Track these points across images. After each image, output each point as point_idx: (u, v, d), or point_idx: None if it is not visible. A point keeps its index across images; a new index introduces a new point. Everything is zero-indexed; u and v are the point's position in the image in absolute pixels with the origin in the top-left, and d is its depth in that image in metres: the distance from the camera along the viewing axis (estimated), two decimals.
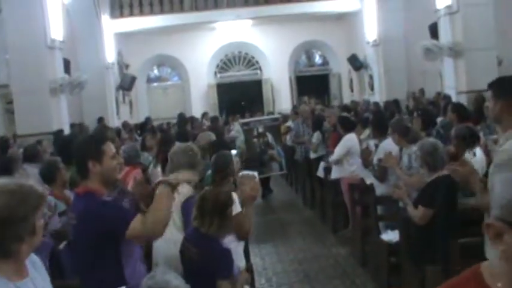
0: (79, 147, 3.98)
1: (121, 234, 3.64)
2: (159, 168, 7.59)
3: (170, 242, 4.58)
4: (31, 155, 7.64)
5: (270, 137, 12.70)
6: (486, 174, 3.96)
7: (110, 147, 3.92)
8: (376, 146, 8.94)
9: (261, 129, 12.79)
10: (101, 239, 3.68)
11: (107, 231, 3.66)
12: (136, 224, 3.59)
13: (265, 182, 13.13)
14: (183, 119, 13.62)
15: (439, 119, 10.42)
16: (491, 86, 3.92)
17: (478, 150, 6.09)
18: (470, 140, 6.09)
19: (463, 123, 6.72)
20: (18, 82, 12.96)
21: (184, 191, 4.95)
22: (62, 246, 5.16)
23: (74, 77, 13.86)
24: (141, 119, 21.17)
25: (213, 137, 7.92)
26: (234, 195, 5.19)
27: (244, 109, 22.15)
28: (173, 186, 3.70)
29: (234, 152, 8.13)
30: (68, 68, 14.61)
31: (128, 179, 6.34)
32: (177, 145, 5.59)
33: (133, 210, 5.47)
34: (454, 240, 4.67)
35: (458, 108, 8.09)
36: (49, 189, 6.31)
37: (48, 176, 6.34)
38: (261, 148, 12.63)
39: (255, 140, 12.79)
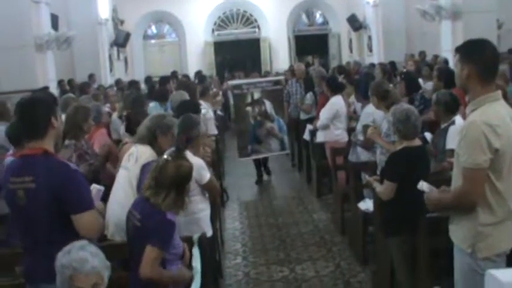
0: (42, 104, 3.69)
1: (71, 213, 3.53)
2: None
3: (123, 205, 4.39)
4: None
5: (268, 106, 10.44)
6: None
7: None
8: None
9: (257, 95, 10.47)
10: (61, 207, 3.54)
11: (63, 201, 3.52)
12: (91, 217, 3.60)
13: (262, 162, 11.10)
14: (165, 78, 12.88)
15: (430, 83, 10.13)
16: (459, 49, 3.58)
17: (458, 118, 5.80)
18: (450, 107, 5.80)
19: (447, 90, 6.41)
20: (2, 38, 12.57)
21: (147, 154, 4.81)
22: None
23: (60, 32, 13.49)
24: (136, 76, 20.79)
25: (185, 96, 7.61)
26: (200, 161, 5.00)
27: (244, 69, 21.61)
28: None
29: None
30: (55, 23, 14.25)
31: (92, 139, 6.13)
32: (153, 114, 5.41)
33: (91, 174, 5.34)
34: (421, 215, 4.43)
35: (443, 74, 7.75)
36: (14, 150, 6.12)
37: (15, 137, 6.12)
38: (256, 120, 10.40)
39: (249, 108, 10.45)
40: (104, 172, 5.80)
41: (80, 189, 3.58)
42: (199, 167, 4.88)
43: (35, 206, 3.53)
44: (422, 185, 3.84)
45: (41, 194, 3.51)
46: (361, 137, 7.24)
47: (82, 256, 2.83)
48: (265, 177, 11.05)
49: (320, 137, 9.09)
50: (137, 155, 4.88)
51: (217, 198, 5.27)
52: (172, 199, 3.81)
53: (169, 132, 5.01)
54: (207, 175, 4.94)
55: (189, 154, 4.91)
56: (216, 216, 5.88)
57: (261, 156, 10.69)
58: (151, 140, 4.98)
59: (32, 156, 3.60)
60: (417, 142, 4.96)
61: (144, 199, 3.90)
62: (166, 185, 3.81)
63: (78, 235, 3.45)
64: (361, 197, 6.88)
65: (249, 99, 10.47)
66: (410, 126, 4.85)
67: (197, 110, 6.26)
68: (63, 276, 2.83)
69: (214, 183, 5.13)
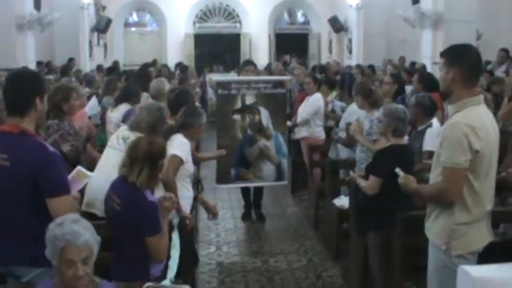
0: (29, 80, 3.56)
1: (46, 196, 3.42)
2: (115, 113, 7.33)
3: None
4: None
5: (265, 116, 7.62)
6: None
7: None
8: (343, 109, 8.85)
9: (250, 99, 7.59)
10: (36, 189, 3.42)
11: (38, 183, 3.40)
12: (66, 202, 3.46)
13: (254, 198, 8.40)
14: (144, 66, 12.73)
15: (410, 87, 10.30)
16: (445, 53, 3.70)
17: (435, 121, 5.96)
18: (429, 110, 5.95)
19: (426, 93, 6.56)
20: None
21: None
22: None
23: (42, 13, 13.40)
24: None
25: (164, 84, 7.74)
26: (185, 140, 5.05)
27: (223, 63, 21.63)
28: None
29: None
30: (38, 4, 14.14)
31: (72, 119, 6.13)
32: (148, 102, 5.41)
33: (74, 154, 5.33)
34: (400, 212, 4.55)
35: (425, 78, 7.90)
36: None
37: None
38: (245, 134, 7.60)
39: (237, 117, 7.58)
40: (85, 153, 5.83)
41: (56, 173, 3.46)
42: (181, 142, 4.99)
43: (8, 185, 3.42)
44: (399, 171, 3.96)
45: (15, 173, 3.39)
46: (343, 135, 7.33)
47: (75, 229, 2.83)
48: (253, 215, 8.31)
49: (300, 133, 9.15)
50: None
51: (169, 185, 4.92)
52: (146, 175, 3.81)
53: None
54: (177, 150, 4.96)
55: (179, 135, 5.00)
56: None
57: (247, 185, 8.02)
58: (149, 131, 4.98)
59: (8, 134, 3.45)
60: (404, 141, 5.12)
61: (121, 179, 3.90)
62: (140, 160, 3.83)
63: (52, 219, 3.22)
64: (336, 194, 7.00)
65: (238, 104, 7.57)
66: (406, 124, 5.05)
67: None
68: (54, 248, 2.83)
69: (174, 167, 4.93)
